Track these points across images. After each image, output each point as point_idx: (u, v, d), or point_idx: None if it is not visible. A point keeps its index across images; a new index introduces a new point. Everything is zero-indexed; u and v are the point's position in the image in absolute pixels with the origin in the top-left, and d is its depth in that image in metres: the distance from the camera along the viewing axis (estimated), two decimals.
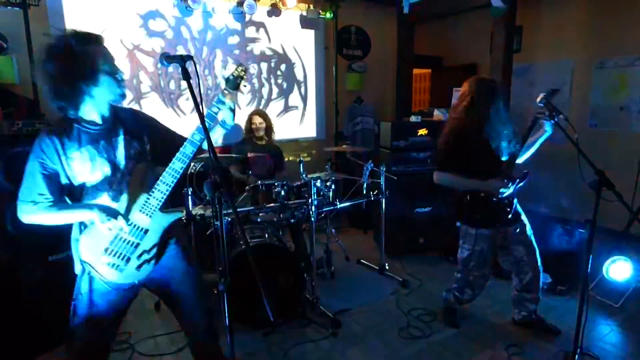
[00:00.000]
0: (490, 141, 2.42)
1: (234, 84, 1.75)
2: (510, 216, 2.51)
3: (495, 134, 2.41)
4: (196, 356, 2.02)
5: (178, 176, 1.68)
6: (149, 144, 1.77)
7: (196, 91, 1.44)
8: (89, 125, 1.63)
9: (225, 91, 1.74)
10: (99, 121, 1.64)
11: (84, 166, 1.62)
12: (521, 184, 2.47)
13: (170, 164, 1.67)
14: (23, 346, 2.41)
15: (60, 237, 2.01)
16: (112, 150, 1.67)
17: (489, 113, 2.39)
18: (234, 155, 3.73)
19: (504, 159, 2.48)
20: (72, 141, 1.60)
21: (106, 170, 1.65)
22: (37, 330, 2.42)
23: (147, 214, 1.68)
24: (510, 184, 2.43)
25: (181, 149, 1.67)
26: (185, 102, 4.48)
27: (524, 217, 2.61)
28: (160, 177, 1.68)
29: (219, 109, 1.74)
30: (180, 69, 1.50)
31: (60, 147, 1.58)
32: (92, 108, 1.61)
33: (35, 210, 1.57)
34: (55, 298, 2.25)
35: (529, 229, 2.59)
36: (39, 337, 2.43)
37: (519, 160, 2.54)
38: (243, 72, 1.76)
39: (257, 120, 3.87)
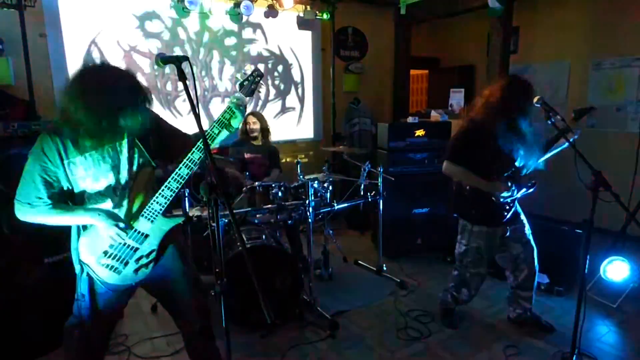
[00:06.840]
0: (509, 144, 2.35)
1: (248, 90, 1.73)
2: (508, 216, 2.51)
3: (516, 137, 2.34)
4: (193, 358, 2.01)
5: (183, 182, 1.66)
6: (153, 144, 1.73)
7: (192, 92, 1.44)
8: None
9: (238, 98, 1.71)
10: None
11: (87, 172, 1.58)
12: (527, 192, 2.47)
13: (176, 170, 1.65)
14: (21, 349, 2.39)
15: (55, 239, 2.01)
16: (117, 155, 1.63)
17: (517, 115, 2.31)
18: (231, 158, 3.71)
19: (517, 163, 2.46)
20: (76, 145, 1.55)
21: (110, 176, 1.63)
22: (35, 333, 2.40)
23: (149, 219, 1.68)
24: (515, 190, 2.44)
25: (189, 154, 1.64)
26: (182, 103, 4.47)
27: (523, 217, 2.61)
28: (166, 183, 1.66)
29: (231, 115, 1.70)
30: (176, 70, 1.49)
31: (63, 150, 1.53)
32: None
33: (32, 212, 1.55)
34: (52, 300, 2.24)
35: (527, 228, 2.60)
36: (37, 339, 2.42)
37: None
38: (259, 78, 1.74)
39: (252, 120, 3.85)
